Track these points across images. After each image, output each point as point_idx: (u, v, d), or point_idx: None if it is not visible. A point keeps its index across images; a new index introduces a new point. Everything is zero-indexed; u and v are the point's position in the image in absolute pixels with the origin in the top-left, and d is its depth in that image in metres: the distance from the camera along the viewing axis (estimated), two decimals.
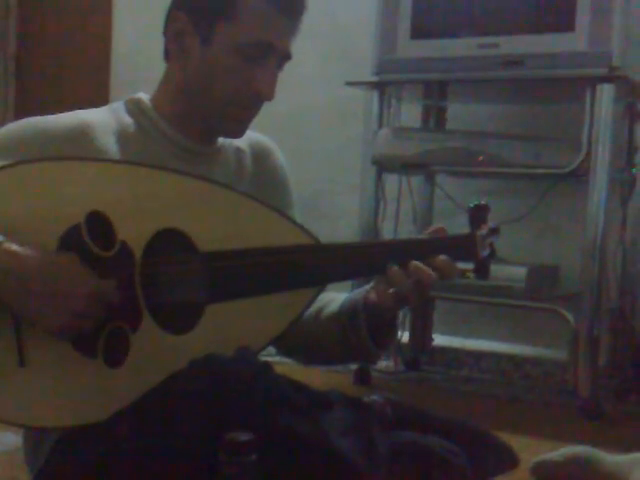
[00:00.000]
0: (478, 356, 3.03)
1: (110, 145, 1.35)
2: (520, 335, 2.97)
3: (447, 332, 3.07)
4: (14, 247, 1.17)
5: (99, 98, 3.59)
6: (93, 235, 1.22)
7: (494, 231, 1.32)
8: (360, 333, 1.34)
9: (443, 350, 3.08)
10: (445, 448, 1.28)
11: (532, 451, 1.86)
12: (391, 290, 1.26)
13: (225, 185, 1.32)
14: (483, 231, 1.30)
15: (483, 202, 1.33)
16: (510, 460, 1.45)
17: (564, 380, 2.79)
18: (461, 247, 1.29)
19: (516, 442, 1.53)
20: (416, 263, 1.25)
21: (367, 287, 1.36)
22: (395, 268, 1.25)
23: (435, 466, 1.25)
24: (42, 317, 1.17)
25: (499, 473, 1.46)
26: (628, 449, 1.75)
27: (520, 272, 2.51)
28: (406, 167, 2.72)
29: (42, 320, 1.18)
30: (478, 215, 1.32)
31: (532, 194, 2.81)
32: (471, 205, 1.33)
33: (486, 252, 1.31)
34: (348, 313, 1.36)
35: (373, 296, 1.32)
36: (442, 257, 1.26)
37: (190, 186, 1.29)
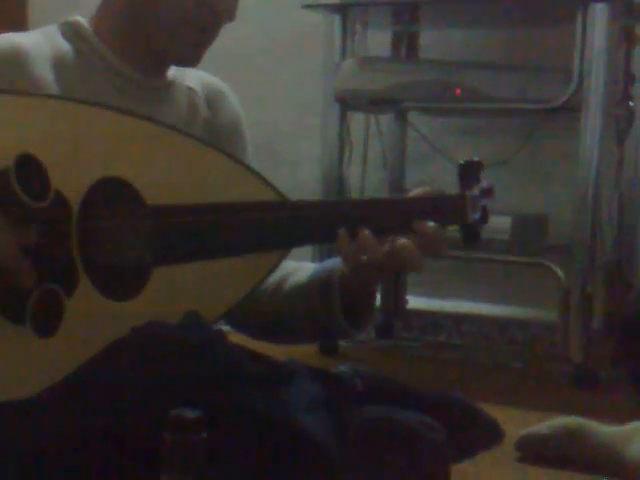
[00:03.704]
0: (458, 319, 3.07)
1: (45, 75, 1.33)
2: (505, 294, 3.00)
3: (423, 293, 3.10)
4: None
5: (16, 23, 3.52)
6: (23, 182, 1.20)
7: (487, 192, 1.31)
8: (333, 308, 1.34)
9: (419, 314, 3.11)
10: (422, 423, 1.29)
11: (518, 423, 1.90)
12: (364, 257, 1.25)
13: (178, 129, 1.30)
14: (475, 192, 1.30)
15: (476, 159, 1.32)
16: (494, 435, 1.48)
17: (554, 344, 2.83)
18: (448, 209, 1.29)
19: (501, 414, 1.56)
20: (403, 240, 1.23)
21: None
22: (366, 232, 1.24)
23: (411, 444, 1.27)
24: None
25: (482, 449, 1.49)
26: (625, 419, 1.78)
27: (504, 222, 2.53)
28: (374, 104, 2.72)
29: None
30: (469, 173, 1.31)
31: (517, 133, 2.83)
32: (461, 161, 1.32)
33: (476, 215, 1.31)
34: (320, 285, 1.36)
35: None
36: (430, 224, 1.25)
37: (137, 128, 1.27)
